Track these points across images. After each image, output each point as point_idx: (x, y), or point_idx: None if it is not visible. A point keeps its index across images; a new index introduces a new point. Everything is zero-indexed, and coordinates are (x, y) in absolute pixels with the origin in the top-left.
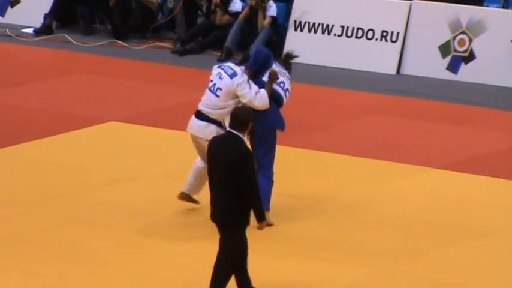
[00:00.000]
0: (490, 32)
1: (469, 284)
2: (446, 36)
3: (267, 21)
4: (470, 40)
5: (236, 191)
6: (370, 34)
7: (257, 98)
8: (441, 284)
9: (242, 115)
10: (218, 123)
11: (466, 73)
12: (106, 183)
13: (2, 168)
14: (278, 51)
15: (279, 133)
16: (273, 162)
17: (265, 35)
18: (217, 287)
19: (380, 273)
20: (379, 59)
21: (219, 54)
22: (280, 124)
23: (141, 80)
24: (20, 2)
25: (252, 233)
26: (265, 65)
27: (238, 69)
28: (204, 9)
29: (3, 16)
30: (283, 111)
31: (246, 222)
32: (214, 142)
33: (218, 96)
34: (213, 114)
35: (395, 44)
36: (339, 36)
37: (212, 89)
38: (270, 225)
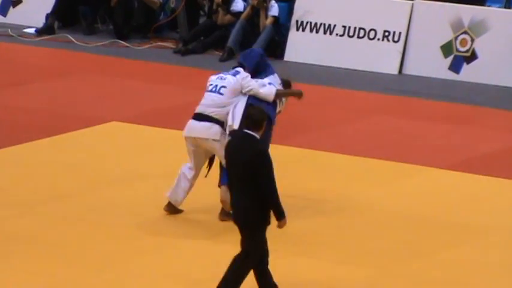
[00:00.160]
0: (492, 32)
1: (469, 283)
2: (448, 36)
3: (269, 21)
4: (472, 40)
5: (255, 191)
6: (372, 34)
7: (263, 88)
8: (442, 283)
9: (256, 115)
10: (221, 124)
11: (468, 73)
12: (108, 183)
13: (3, 168)
14: (280, 51)
15: (275, 131)
16: None
17: (267, 34)
18: (228, 286)
19: (381, 272)
20: (381, 59)
21: (221, 54)
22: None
23: (142, 79)
24: (22, 2)
25: None
26: (263, 63)
27: (239, 69)
28: (206, 9)
29: (5, 16)
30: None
31: (266, 222)
32: (231, 143)
33: (222, 94)
34: (216, 113)
35: (397, 44)
36: (340, 36)
37: (214, 89)
38: None
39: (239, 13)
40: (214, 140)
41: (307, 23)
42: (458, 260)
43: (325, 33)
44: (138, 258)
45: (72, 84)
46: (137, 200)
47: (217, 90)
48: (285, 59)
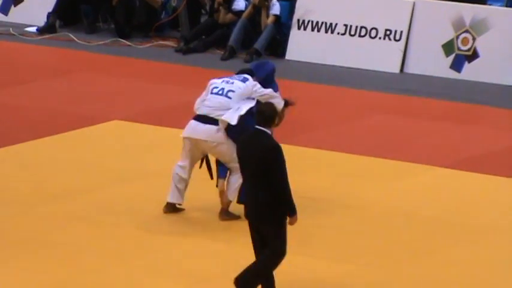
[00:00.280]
0: (494, 30)
1: (470, 283)
2: (449, 34)
3: (271, 19)
4: (474, 39)
5: (268, 187)
6: (373, 33)
7: (277, 98)
8: (442, 283)
9: (268, 111)
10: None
11: (470, 72)
12: (109, 182)
13: (3, 167)
14: (281, 49)
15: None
16: None
17: (269, 33)
18: (249, 281)
19: (381, 271)
20: (382, 58)
21: (222, 52)
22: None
23: (144, 78)
24: (23, 0)
25: None
26: (271, 78)
27: (248, 76)
28: (208, 7)
29: (6, 15)
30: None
31: (284, 217)
32: (243, 140)
33: (230, 98)
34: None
35: (398, 42)
36: (342, 34)
37: (221, 92)
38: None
39: (240, 12)
40: (220, 143)
41: (308, 21)
42: (459, 259)
43: (326, 32)
44: (138, 258)
45: (74, 83)
46: (138, 198)
47: (224, 94)
48: (287, 57)
